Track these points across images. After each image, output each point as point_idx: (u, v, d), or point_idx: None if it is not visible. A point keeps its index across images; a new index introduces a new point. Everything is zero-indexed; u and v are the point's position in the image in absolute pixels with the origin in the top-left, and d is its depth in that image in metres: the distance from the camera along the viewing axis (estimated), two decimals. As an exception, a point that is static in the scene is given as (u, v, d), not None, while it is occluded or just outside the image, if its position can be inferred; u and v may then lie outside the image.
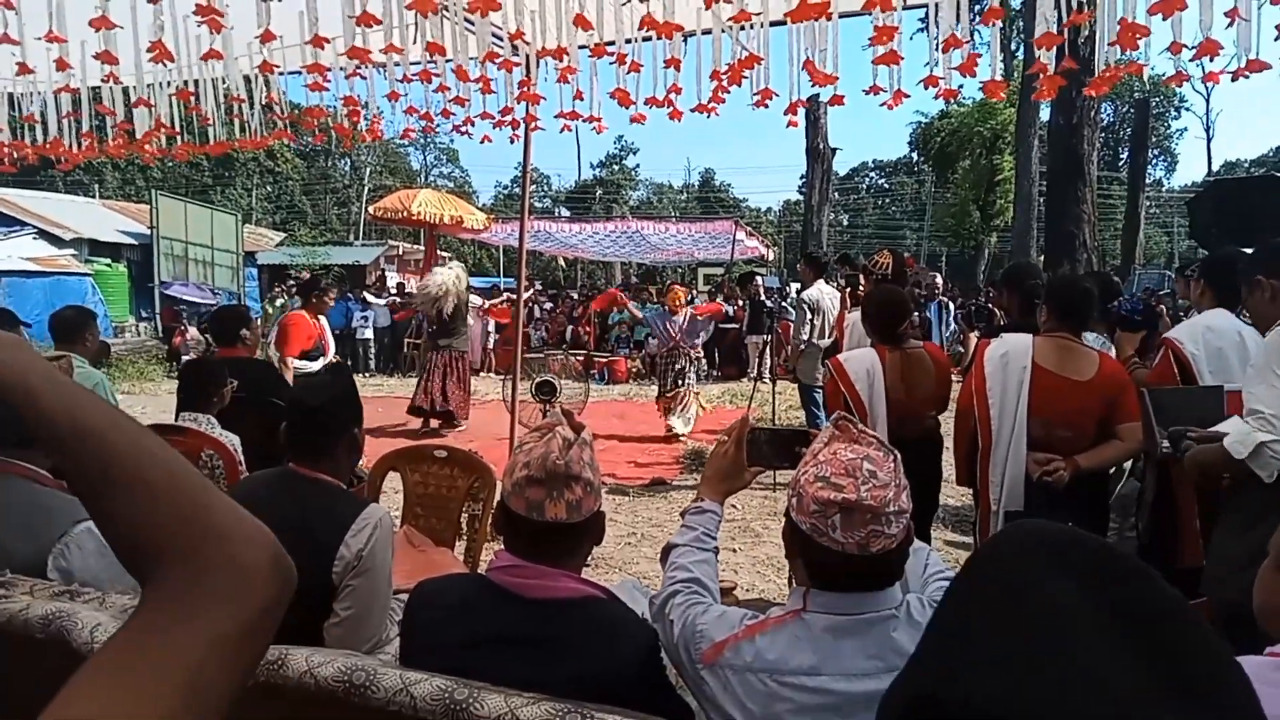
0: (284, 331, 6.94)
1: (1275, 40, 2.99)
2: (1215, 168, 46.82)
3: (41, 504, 2.23)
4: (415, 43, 3.89)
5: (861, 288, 5.63)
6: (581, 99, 4.47)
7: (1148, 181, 27.34)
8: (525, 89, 4.80)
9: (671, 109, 4.21)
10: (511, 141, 5.21)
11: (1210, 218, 10.40)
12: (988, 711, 0.56)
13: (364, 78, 4.57)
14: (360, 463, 2.69)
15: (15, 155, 5.62)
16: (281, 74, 4.55)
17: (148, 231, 20.40)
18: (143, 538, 0.68)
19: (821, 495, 1.45)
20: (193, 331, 16.20)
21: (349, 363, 17.10)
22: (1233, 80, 3.28)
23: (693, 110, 4.23)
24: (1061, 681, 0.55)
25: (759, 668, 1.49)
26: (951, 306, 10.19)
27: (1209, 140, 49.29)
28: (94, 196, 30.45)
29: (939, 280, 10.75)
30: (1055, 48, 3.23)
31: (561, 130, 4.85)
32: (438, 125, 5.18)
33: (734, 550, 5.44)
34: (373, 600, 2.21)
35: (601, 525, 1.74)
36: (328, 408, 2.36)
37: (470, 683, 1.44)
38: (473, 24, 3.69)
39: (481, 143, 5.23)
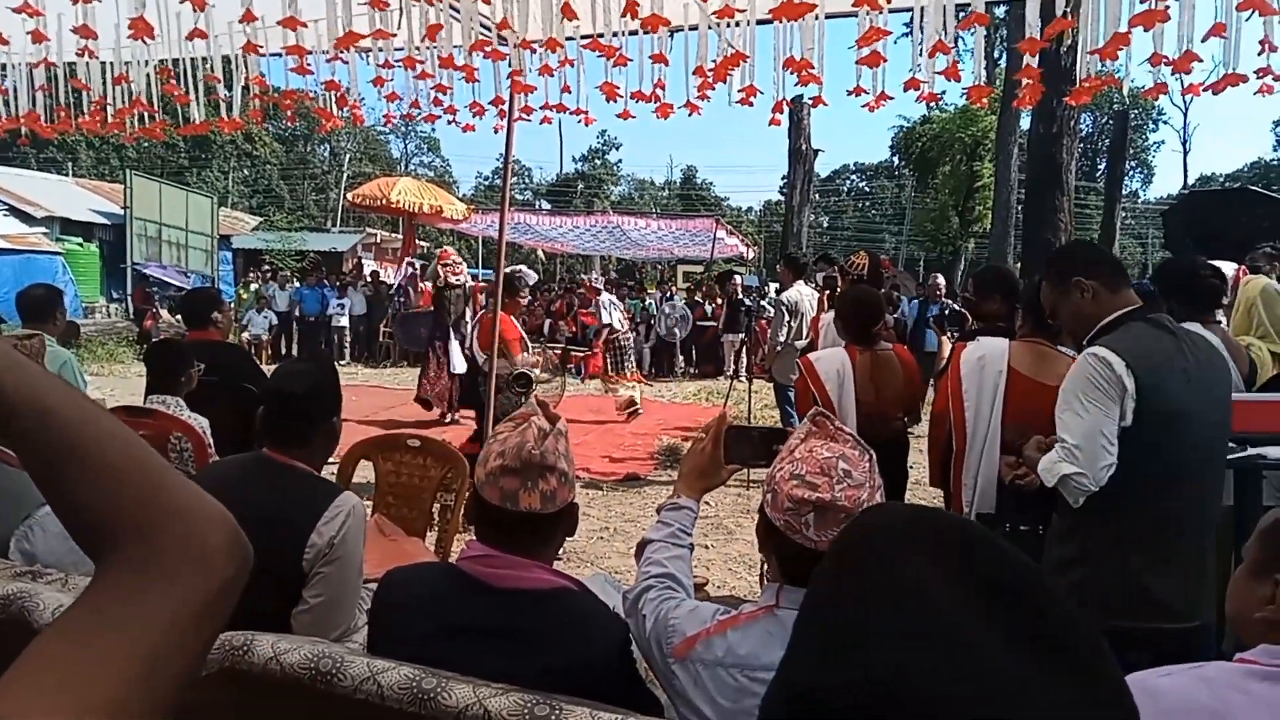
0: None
1: (1259, 55, 3.02)
2: (1191, 180, 47.50)
3: (5, 486, 2.19)
4: (399, 28, 3.86)
5: (839, 288, 5.66)
6: (569, 92, 4.46)
7: (1124, 193, 27.66)
8: (515, 79, 4.78)
9: (659, 105, 4.21)
10: (495, 131, 5.18)
11: (1182, 229, 10.52)
12: (865, 698, 0.55)
13: (345, 62, 4.52)
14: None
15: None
16: (264, 55, 4.48)
17: (121, 211, 20.12)
18: (100, 516, 0.67)
19: (796, 493, 1.46)
20: (165, 314, 16.02)
21: (323, 348, 17.00)
22: (1214, 94, 3.32)
23: (681, 107, 4.24)
24: (931, 657, 0.55)
25: (730, 663, 1.49)
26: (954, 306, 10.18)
27: (1185, 154, 50.00)
28: (67, 175, 29.98)
29: (941, 283, 10.88)
30: (1038, 54, 3.26)
31: (542, 122, 4.84)
32: (419, 114, 5.12)
33: (706, 547, 5.45)
34: (343, 588, 2.19)
35: (575, 516, 1.74)
36: (310, 395, 2.33)
37: (438, 672, 1.43)
38: (458, 12, 3.66)
39: (464, 131, 5.20)
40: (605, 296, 14.75)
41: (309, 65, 4.33)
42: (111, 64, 4.67)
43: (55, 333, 4.42)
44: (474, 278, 13.29)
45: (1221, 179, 47.98)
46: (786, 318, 7.10)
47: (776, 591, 1.54)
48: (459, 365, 9.72)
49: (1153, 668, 1.31)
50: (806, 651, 0.64)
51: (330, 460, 2.57)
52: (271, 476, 2.24)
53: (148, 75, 4.78)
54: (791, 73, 3.62)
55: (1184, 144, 49.72)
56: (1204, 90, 3.42)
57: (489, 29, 4.16)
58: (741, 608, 1.59)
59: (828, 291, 6.66)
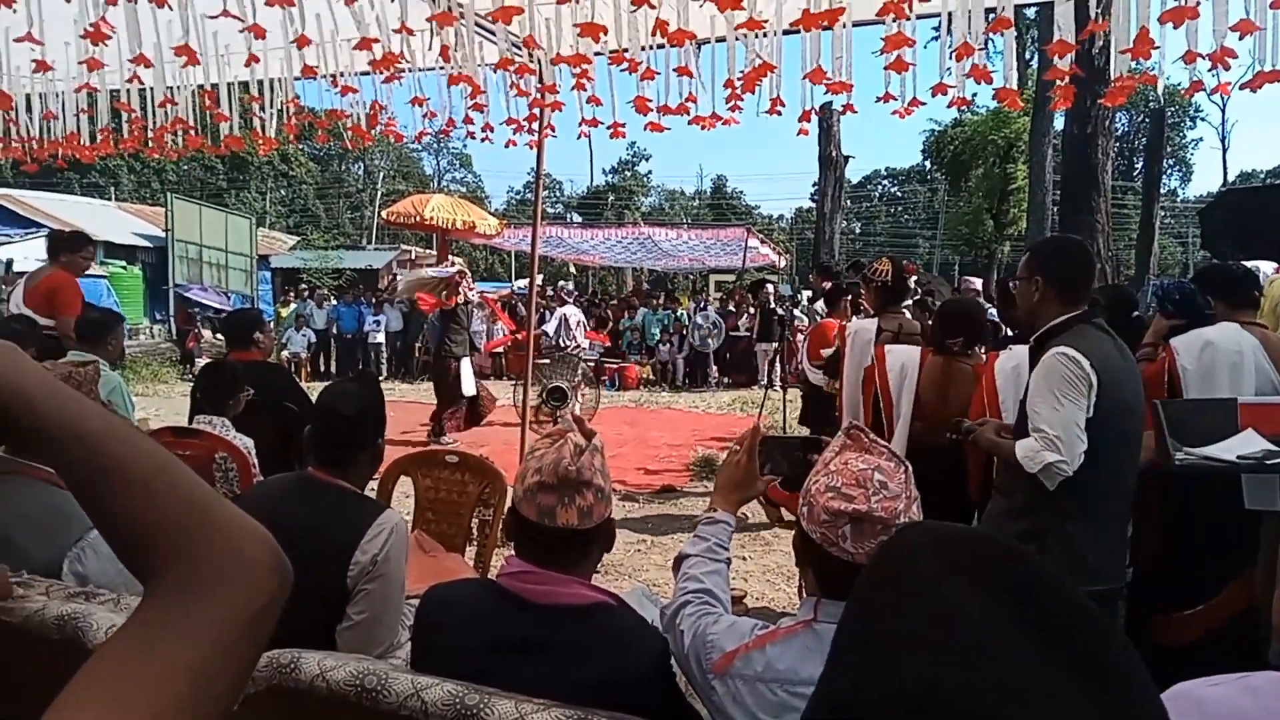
0: (823, 339, 6.06)
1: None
2: (1231, 178, 46.57)
3: (58, 507, 2.24)
4: (431, 49, 3.93)
5: (860, 295, 5.60)
6: (600, 104, 4.50)
7: (1162, 191, 27.22)
8: (546, 95, 4.83)
9: (693, 116, 4.24)
10: (530, 147, 5.23)
11: (1220, 228, 10.30)
12: (899, 712, 0.56)
13: (399, 80, 4.63)
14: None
15: (33, 153, 5.68)
16: (321, 78, 4.59)
17: (163, 234, 20.55)
18: (142, 538, 0.69)
19: (832, 505, 1.46)
20: (206, 334, 16.30)
21: (361, 366, 17.20)
22: (1253, 91, 3.27)
23: (711, 118, 4.26)
24: (963, 673, 0.56)
25: (769, 677, 1.49)
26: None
27: (1224, 150, 49.06)
28: (110, 199, 30.67)
29: (977, 285, 10.64)
30: (1070, 55, 3.23)
31: (580, 136, 4.88)
32: (457, 127, 5.20)
33: (744, 558, 5.43)
34: (386, 605, 2.22)
35: (612, 532, 1.74)
36: (358, 417, 2.37)
37: (481, 688, 1.44)
38: (493, 33, 3.71)
39: (507, 146, 5.26)
40: (568, 310, 14.38)
41: (355, 85, 4.43)
42: (151, 89, 4.79)
43: (110, 356, 4.51)
44: (510, 290, 13.34)
45: (1263, 175, 47.01)
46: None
47: (814, 605, 1.53)
48: (470, 388, 9.78)
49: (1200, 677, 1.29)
50: (844, 666, 0.65)
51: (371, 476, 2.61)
52: (316, 495, 2.28)
53: (191, 94, 4.91)
54: (816, 84, 3.62)
55: (1223, 140, 48.80)
56: (1239, 88, 3.37)
57: (518, 46, 4.21)
58: (780, 622, 1.58)
59: (849, 299, 6.64)
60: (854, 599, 0.70)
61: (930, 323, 4.17)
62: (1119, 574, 2.66)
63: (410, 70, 4.49)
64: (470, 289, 10.28)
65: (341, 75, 4.58)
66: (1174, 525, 3.11)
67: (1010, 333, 5.22)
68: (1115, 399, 2.50)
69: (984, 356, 3.94)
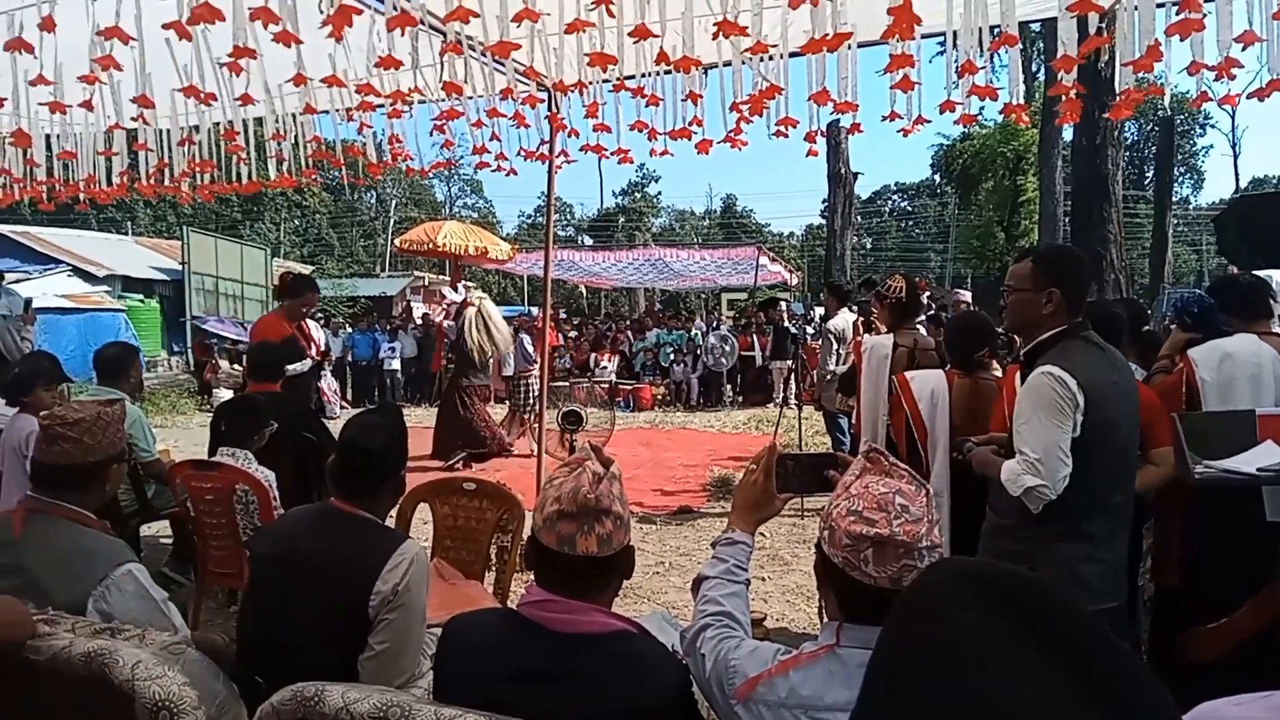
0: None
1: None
2: (1243, 184, 46.34)
3: (85, 546, 2.27)
4: (440, 81, 3.98)
5: (874, 314, 5.60)
6: (609, 131, 4.54)
7: (1174, 199, 27.08)
8: (555, 122, 4.89)
9: (699, 142, 4.27)
10: (542, 160, 5.28)
11: (1236, 235, 10.22)
12: None
13: (411, 114, 4.71)
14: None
15: (53, 195, 5.78)
16: (323, 113, 4.68)
17: (179, 267, 20.74)
18: None
19: (854, 529, 1.46)
20: (224, 365, 16.41)
21: (376, 393, 17.27)
22: (1260, 101, 3.28)
23: (720, 142, 4.29)
24: (986, 707, 0.58)
25: (793, 703, 1.49)
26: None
27: (1235, 157, 48.83)
28: (127, 233, 31.01)
29: (966, 298, 10.53)
30: (1075, 69, 3.24)
31: (583, 149, 4.94)
32: (461, 159, 5.30)
33: (763, 579, 5.41)
34: (407, 634, 2.23)
35: (631, 559, 1.75)
36: (383, 450, 2.40)
37: (503, 718, 1.45)
38: (502, 64, 3.76)
39: (507, 175, 5.31)
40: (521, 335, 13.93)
41: (368, 121, 4.50)
42: (168, 130, 4.87)
43: (130, 389, 4.56)
44: (522, 315, 13.15)
45: (1275, 181, 46.76)
46: (835, 345, 7.08)
47: (836, 630, 1.53)
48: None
49: (1225, 697, 1.28)
50: (875, 699, 0.68)
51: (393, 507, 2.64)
52: (339, 526, 2.32)
53: (209, 131, 4.99)
54: (821, 106, 3.65)
55: (1233, 147, 48.62)
56: (1246, 98, 3.37)
57: (522, 76, 4.26)
58: (802, 647, 1.58)
59: (861, 318, 6.64)
60: (884, 635, 0.72)
61: (945, 341, 4.11)
62: (1116, 591, 2.61)
63: (425, 102, 4.55)
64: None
65: (358, 111, 4.65)
66: (1196, 539, 3.08)
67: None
68: (1103, 415, 2.47)
69: (1001, 370, 3.92)
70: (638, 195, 55.54)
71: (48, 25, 3.32)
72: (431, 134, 4.96)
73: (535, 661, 1.61)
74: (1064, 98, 3.64)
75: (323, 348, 7.23)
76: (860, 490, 1.51)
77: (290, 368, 5.34)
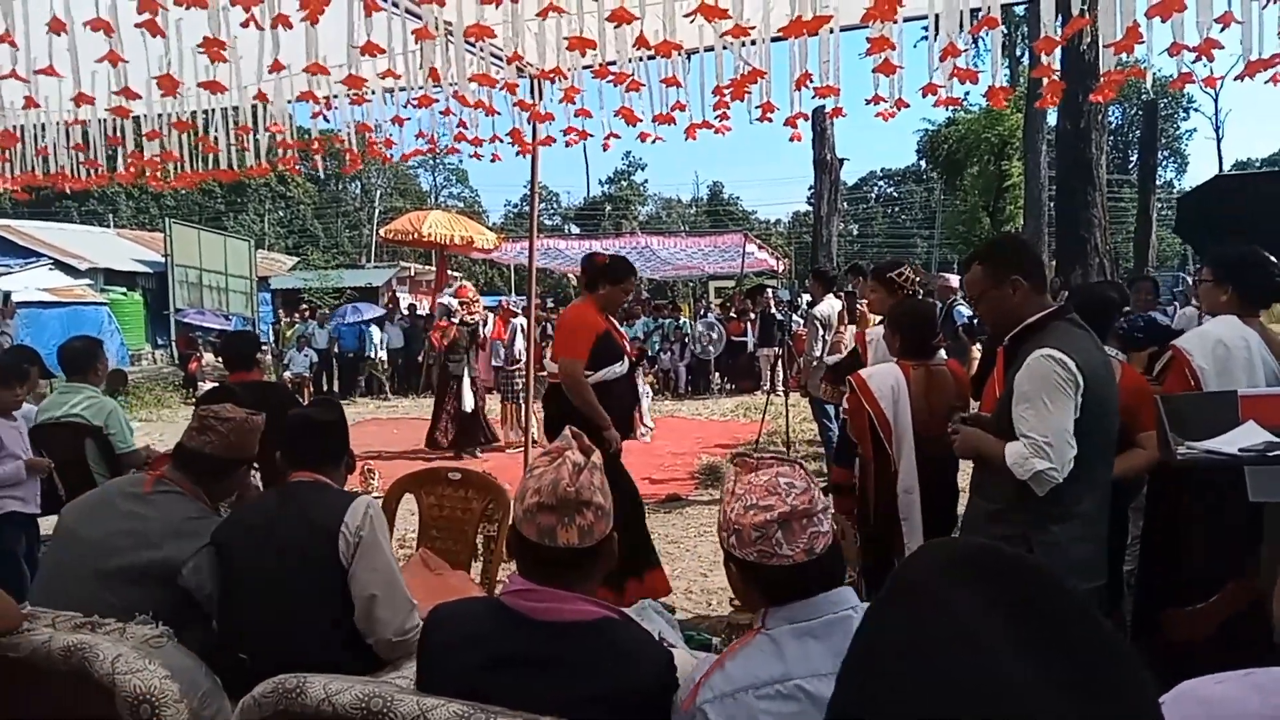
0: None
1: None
2: (1227, 167, 46.52)
3: (197, 523, 2.61)
4: (421, 68, 3.94)
5: (867, 300, 5.57)
6: (590, 117, 4.51)
7: (1159, 183, 27.20)
8: (531, 109, 4.85)
9: (686, 127, 4.25)
10: (521, 155, 5.24)
11: (1198, 218, 9.98)
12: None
13: (368, 101, 4.65)
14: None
15: (29, 186, 5.70)
16: (290, 101, 4.61)
17: (162, 259, 20.63)
18: None
19: (757, 520, 1.55)
20: (209, 357, 16.33)
21: (363, 384, 17.22)
22: (1241, 81, 3.28)
23: (701, 127, 4.27)
24: (968, 690, 0.58)
25: (735, 690, 1.51)
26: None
27: (1219, 140, 49.03)
28: (109, 226, 30.76)
29: (953, 282, 10.41)
30: (1059, 51, 3.24)
31: (568, 145, 4.90)
32: (440, 148, 5.23)
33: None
34: (390, 580, 2.40)
35: (614, 549, 1.74)
36: (332, 423, 2.70)
37: (487, 707, 1.45)
38: (476, 48, 3.72)
39: (492, 161, 5.27)
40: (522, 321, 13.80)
41: (327, 109, 4.46)
42: (145, 116, 4.81)
43: (98, 383, 4.50)
44: (500, 303, 12.94)
45: (1258, 164, 46.98)
46: (821, 332, 7.07)
47: (762, 615, 1.61)
48: (469, 404, 9.82)
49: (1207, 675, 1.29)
50: (852, 682, 0.68)
51: (376, 495, 2.68)
52: (300, 492, 2.53)
53: (173, 129, 4.93)
54: (802, 89, 3.63)
55: (1216, 130, 48.79)
56: (1234, 79, 3.38)
57: (500, 60, 4.22)
58: (731, 643, 1.65)
59: (846, 306, 6.64)
60: (872, 609, 0.73)
61: (893, 335, 3.99)
62: (1101, 570, 2.65)
63: (402, 89, 4.51)
64: (472, 313, 10.29)
65: (335, 98, 4.61)
66: (1179, 520, 3.09)
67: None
68: (1098, 398, 2.49)
69: (945, 355, 3.92)
70: (624, 183, 55.44)
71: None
72: (395, 122, 4.90)
73: (518, 649, 1.60)
74: (1046, 80, 3.64)
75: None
76: (745, 490, 1.60)
77: (604, 372, 4.43)
